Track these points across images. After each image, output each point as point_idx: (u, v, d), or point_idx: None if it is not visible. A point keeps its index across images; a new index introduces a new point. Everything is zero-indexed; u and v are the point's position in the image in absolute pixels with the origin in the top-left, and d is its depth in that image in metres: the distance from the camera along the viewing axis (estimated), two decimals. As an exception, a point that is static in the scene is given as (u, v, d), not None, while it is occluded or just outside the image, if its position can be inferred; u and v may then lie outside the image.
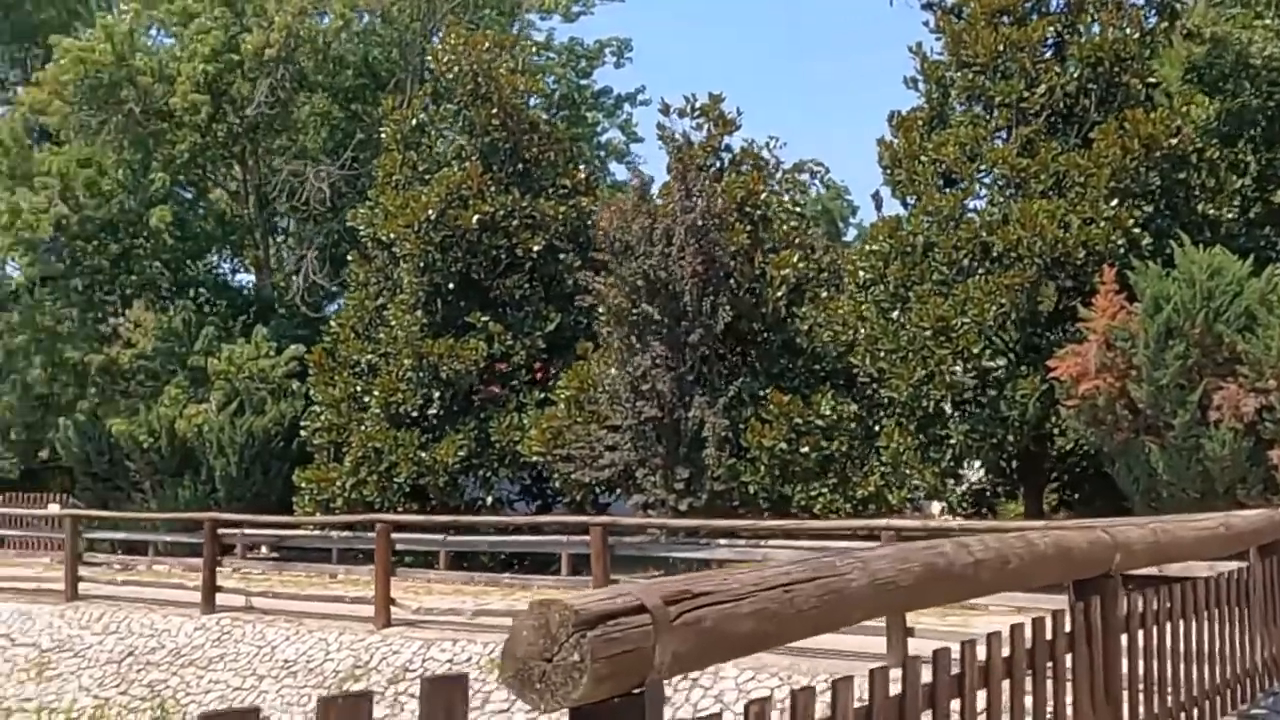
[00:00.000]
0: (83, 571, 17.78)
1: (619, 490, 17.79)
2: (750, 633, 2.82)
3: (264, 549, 23.01)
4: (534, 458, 18.80)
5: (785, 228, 19.17)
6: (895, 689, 3.28)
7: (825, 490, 17.03)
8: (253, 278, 29.33)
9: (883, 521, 11.37)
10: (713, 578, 2.80)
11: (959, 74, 17.95)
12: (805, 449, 16.62)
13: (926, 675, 3.53)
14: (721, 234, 17.06)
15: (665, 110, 18.83)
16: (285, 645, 13.89)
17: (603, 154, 31.79)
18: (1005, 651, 4.10)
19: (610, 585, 11.74)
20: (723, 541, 14.19)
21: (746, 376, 17.17)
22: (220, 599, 15.69)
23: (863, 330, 17.59)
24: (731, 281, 17.01)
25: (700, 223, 16.87)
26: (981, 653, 3.94)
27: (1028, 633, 4.24)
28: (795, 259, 17.95)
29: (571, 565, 15.62)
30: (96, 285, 25.83)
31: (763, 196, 18.29)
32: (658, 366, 16.57)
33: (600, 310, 17.74)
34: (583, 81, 31.56)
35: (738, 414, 16.63)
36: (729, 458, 16.40)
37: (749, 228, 17.66)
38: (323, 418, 21.65)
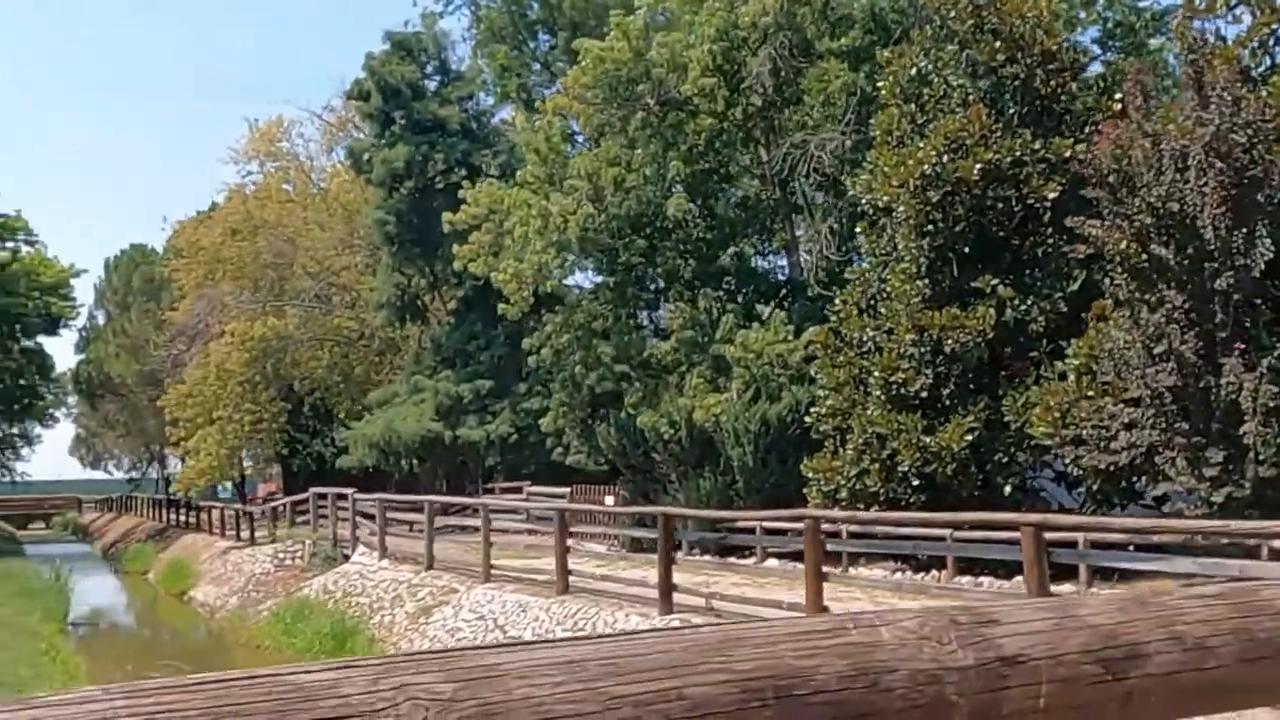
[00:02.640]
0: (572, 565, 17.68)
1: (1144, 477, 14.48)
2: None
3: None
4: (1045, 440, 15.94)
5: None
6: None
7: None
8: (781, 260, 28.51)
9: None
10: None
11: None
12: (1395, 420, 12.41)
13: None
14: (1260, 148, 13.24)
15: (1190, 6, 15.16)
16: (715, 654, 12.53)
17: (1169, 82, 27.17)
18: None
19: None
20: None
21: (1306, 328, 13.19)
22: (681, 599, 14.70)
23: None
24: (1270, 206, 13.11)
25: (1229, 137, 13.19)
26: None
27: None
28: (1376, 170, 13.53)
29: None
30: (628, 281, 26.21)
31: (1326, 93, 14.05)
32: (1175, 322, 13.16)
33: (1106, 261, 14.55)
34: (1142, 4, 27.27)
35: (1291, 377, 12.77)
36: (1278, 434, 12.61)
37: (1304, 135, 13.59)
38: (828, 403, 20.09)
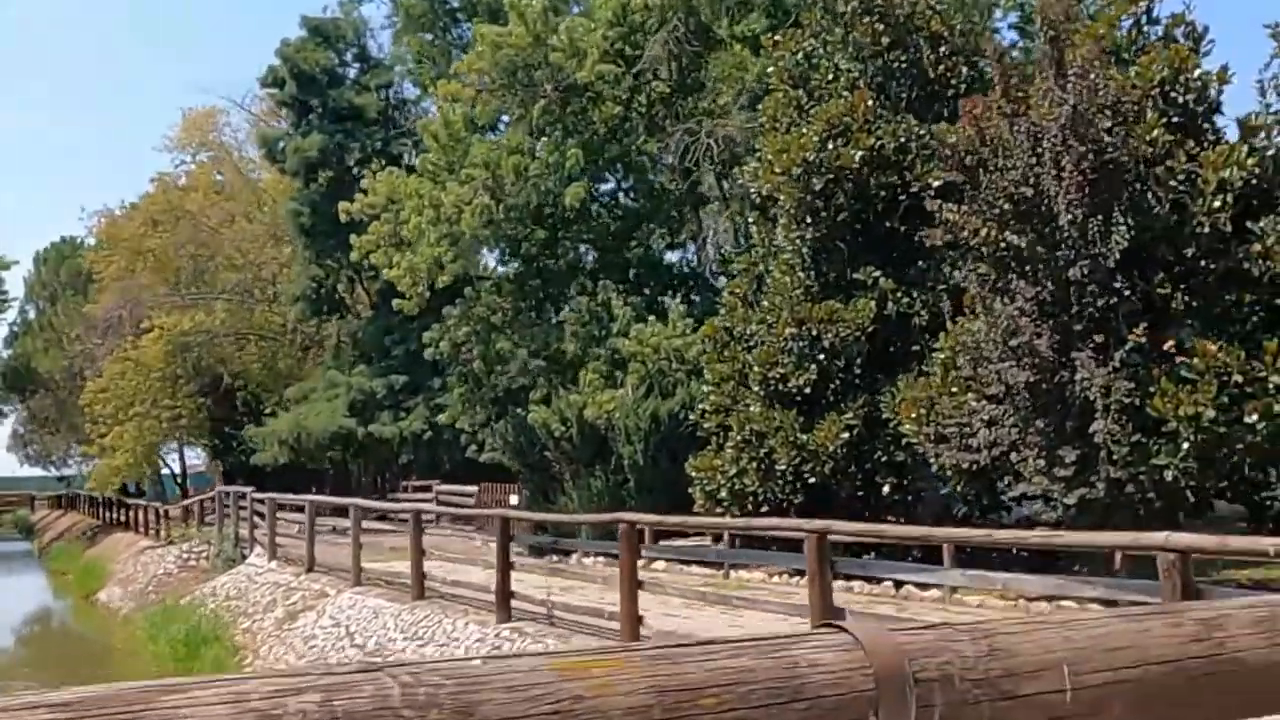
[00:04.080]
0: (428, 568, 16.87)
1: (1008, 477, 13.78)
2: None
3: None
4: (912, 438, 15.21)
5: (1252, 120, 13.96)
6: None
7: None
8: (688, 253, 27.70)
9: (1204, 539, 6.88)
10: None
11: None
12: (1254, 418, 11.70)
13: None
14: (1121, 128, 12.55)
15: (1061, -21, 14.42)
16: (530, 669, 11.76)
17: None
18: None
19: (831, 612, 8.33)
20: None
21: (1167, 322, 12.47)
22: (523, 606, 13.89)
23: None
24: (1131, 192, 12.40)
25: (1091, 119, 12.49)
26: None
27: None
28: (1244, 155, 12.84)
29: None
30: (529, 274, 25.36)
31: (1196, 74, 13.36)
32: (1028, 315, 12.46)
33: (968, 250, 13.82)
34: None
35: (1145, 373, 12.06)
36: (1132, 433, 11.91)
37: (1169, 119, 12.90)
38: (711, 399, 19.33)
